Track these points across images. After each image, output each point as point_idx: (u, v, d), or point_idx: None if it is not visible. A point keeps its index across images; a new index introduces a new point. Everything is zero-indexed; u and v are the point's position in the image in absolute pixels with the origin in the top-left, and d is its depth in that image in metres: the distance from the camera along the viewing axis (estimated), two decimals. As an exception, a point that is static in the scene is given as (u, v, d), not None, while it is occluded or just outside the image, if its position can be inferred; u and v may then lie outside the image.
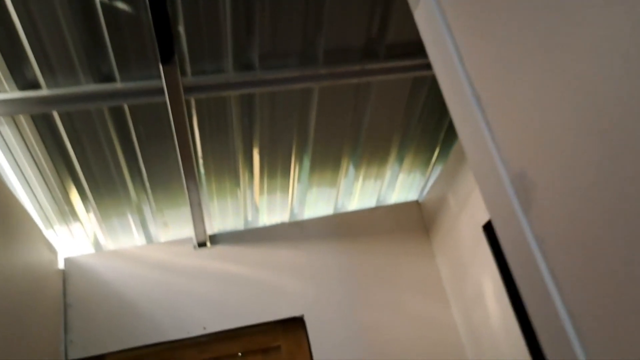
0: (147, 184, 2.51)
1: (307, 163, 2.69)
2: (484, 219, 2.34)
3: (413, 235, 2.96)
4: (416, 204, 3.07)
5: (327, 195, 2.98)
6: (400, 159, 2.83)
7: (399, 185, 3.03)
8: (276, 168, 2.66)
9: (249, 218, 2.97)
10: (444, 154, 2.85)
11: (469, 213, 2.47)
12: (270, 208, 2.95)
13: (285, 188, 2.83)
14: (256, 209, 2.92)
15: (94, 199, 2.52)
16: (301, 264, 2.85)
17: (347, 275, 2.84)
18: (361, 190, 3.01)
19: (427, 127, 2.65)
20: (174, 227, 2.87)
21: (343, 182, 2.89)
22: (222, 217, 2.92)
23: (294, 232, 2.94)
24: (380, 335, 2.69)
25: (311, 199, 2.97)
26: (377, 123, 2.53)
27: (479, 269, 2.44)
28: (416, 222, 3.01)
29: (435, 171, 2.93)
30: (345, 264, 2.87)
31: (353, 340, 2.68)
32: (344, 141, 2.59)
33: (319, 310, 2.74)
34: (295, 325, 2.73)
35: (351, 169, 2.81)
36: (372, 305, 2.77)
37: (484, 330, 2.47)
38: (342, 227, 2.97)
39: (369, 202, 3.10)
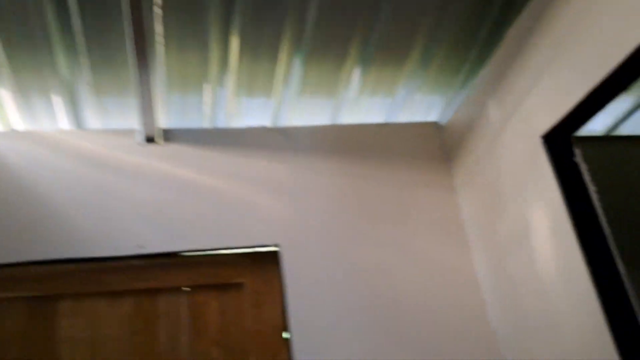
0: (83, 44, 1.78)
1: (300, 58, 1.99)
2: (545, 126, 1.70)
3: (429, 163, 2.29)
4: (435, 125, 2.41)
5: (322, 107, 2.29)
6: (424, 66, 2.15)
7: (415, 103, 2.36)
8: (259, 60, 1.96)
9: (218, 121, 2.26)
10: (479, 62, 2.18)
11: (522, 122, 1.82)
12: (247, 113, 2.24)
13: (268, 91, 2.13)
14: (228, 112, 2.21)
15: (10, 65, 1.79)
16: (283, 180, 2.15)
17: (341, 202, 2.15)
18: (366, 106, 2.33)
19: (466, 17, 1.98)
20: (115, 115, 2.13)
21: (344, 93, 2.20)
22: (181, 114, 2.19)
23: (276, 139, 2.24)
24: (379, 279, 2.02)
25: (301, 109, 2.28)
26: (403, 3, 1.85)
27: (530, 198, 1.79)
28: (434, 147, 2.34)
29: (465, 90, 2.28)
30: (340, 187, 2.18)
31: (342, 284, 1.99)
32: (355, 25, 1.90)
33: (300, 242, 2.04)
34: (266, 258, 2.04)
35: (357, 74, 2.12)
36: (370, 241, 2.09)
37: (522, 281, 1.83)
38: (340, 141, 2.28)
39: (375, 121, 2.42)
